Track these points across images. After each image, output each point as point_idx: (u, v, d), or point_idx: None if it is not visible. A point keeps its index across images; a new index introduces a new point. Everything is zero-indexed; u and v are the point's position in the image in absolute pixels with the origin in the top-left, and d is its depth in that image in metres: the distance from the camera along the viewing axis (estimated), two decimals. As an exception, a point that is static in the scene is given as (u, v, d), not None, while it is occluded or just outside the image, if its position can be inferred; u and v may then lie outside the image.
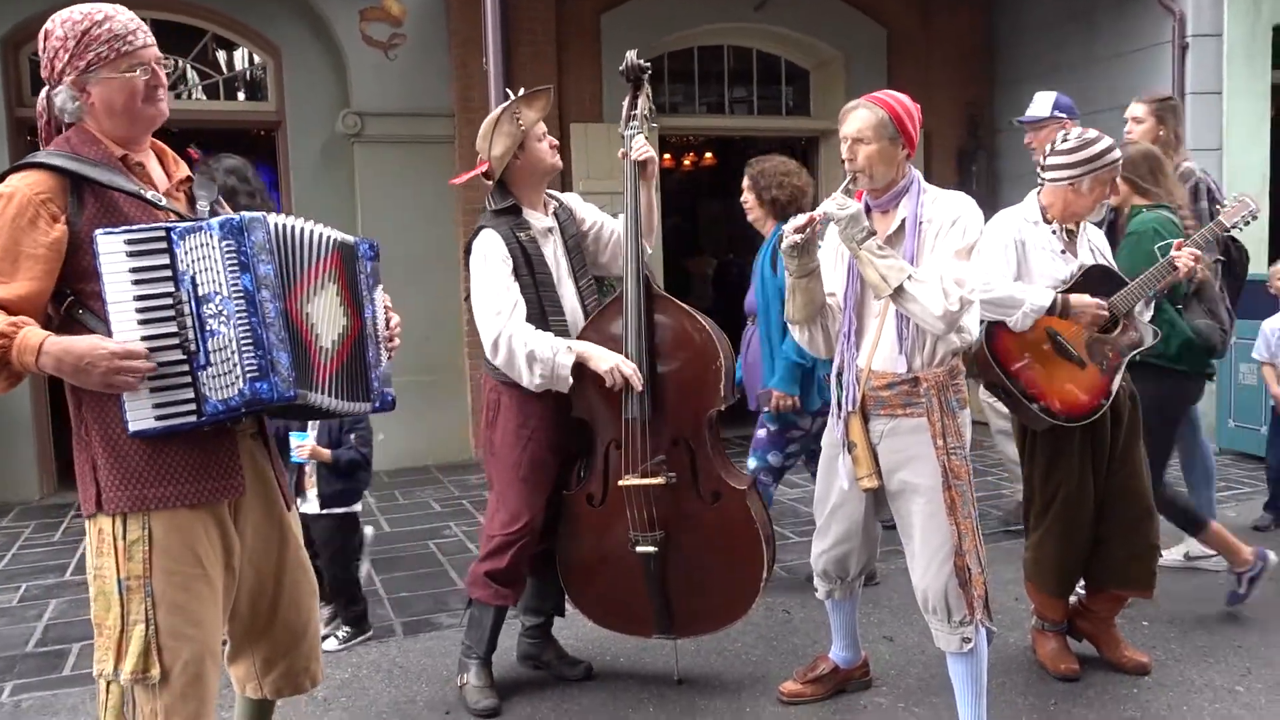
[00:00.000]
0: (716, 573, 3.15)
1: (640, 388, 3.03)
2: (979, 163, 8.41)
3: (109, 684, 2.04)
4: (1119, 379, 3.26)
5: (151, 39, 2.09)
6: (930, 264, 2.72)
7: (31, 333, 1.87)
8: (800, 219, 2.75)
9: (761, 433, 4.13)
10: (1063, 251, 3.28)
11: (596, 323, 3.17)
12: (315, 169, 7.06)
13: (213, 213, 2.17)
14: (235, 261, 1.96)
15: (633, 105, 3.24)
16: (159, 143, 2.22)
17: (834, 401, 2.94)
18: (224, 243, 1.96)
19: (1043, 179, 3.29)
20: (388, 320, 2.36)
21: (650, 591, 3.19)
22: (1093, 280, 3.25)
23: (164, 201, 2.07)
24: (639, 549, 3.14)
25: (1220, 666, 3.45)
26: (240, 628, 2.28)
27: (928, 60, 8.26)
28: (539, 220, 3.20)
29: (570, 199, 3.38)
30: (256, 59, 7.28)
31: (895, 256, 2.70)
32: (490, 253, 3.07)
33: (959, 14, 8.33)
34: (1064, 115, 4.47)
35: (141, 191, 2.04)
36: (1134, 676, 3.37)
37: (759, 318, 4.07)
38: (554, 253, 3.20)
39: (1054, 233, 3.29)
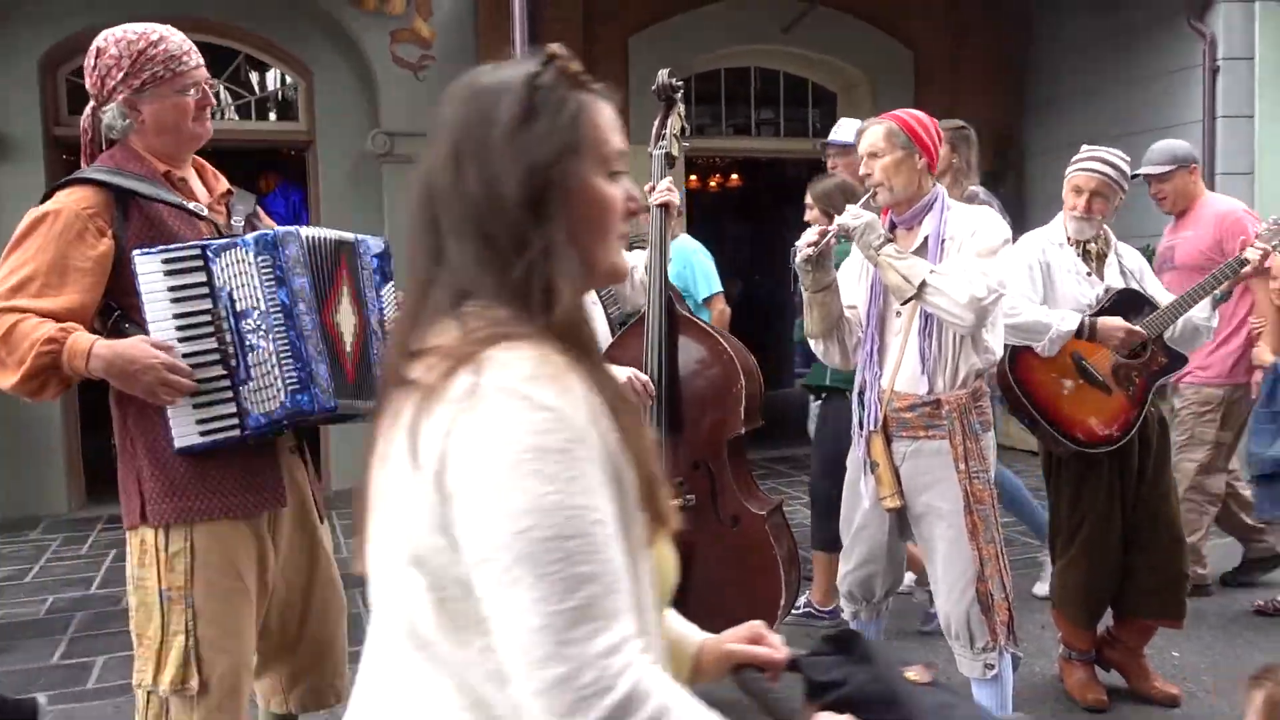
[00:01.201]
0: (733, 598, 3.11)
1: (650, 400, 3.03)
2: (1008, 185, 8.36)
3: (148, 694, 2.05)
4: (1146, 405, 3.22)
5: (201, 60, 2.13)
6: (952, 265, 2.70)
7: (81, 337, 1.90)
8: (813, 233, 2.75)
9: None
10: (1088, 274, 3.26)
11: (619, 343, 3.18)
12: (345, 188, 7.13)
13: (251, 226, 2.20)
14: (271, 276, 1.99)
15: (662, 125, 3.25)
16: (198, 158, 2.26)
17: (855, 421, 2.93)
18: (259, 258, 1.99)
19: None
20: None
21: (668, 614, 3.17)
22: (1122, 305, 3.22)
23: (205, 211, 2.10)
24: None
25: (1252, 699, 3.38)
26: (268, 641, 2.28)
27: (955, 82, 8.24)
28: None
29: None
30: (288, 79, 7.38)
31: (914, 259, 2.68)
32: None
33: (987, 36, 8.31)
34: None
35: (184, 203, 2.07)
36: (1163, 709, 3.31)
37: None
38: None
39: (1078, 255, 3.27)
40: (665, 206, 3.19)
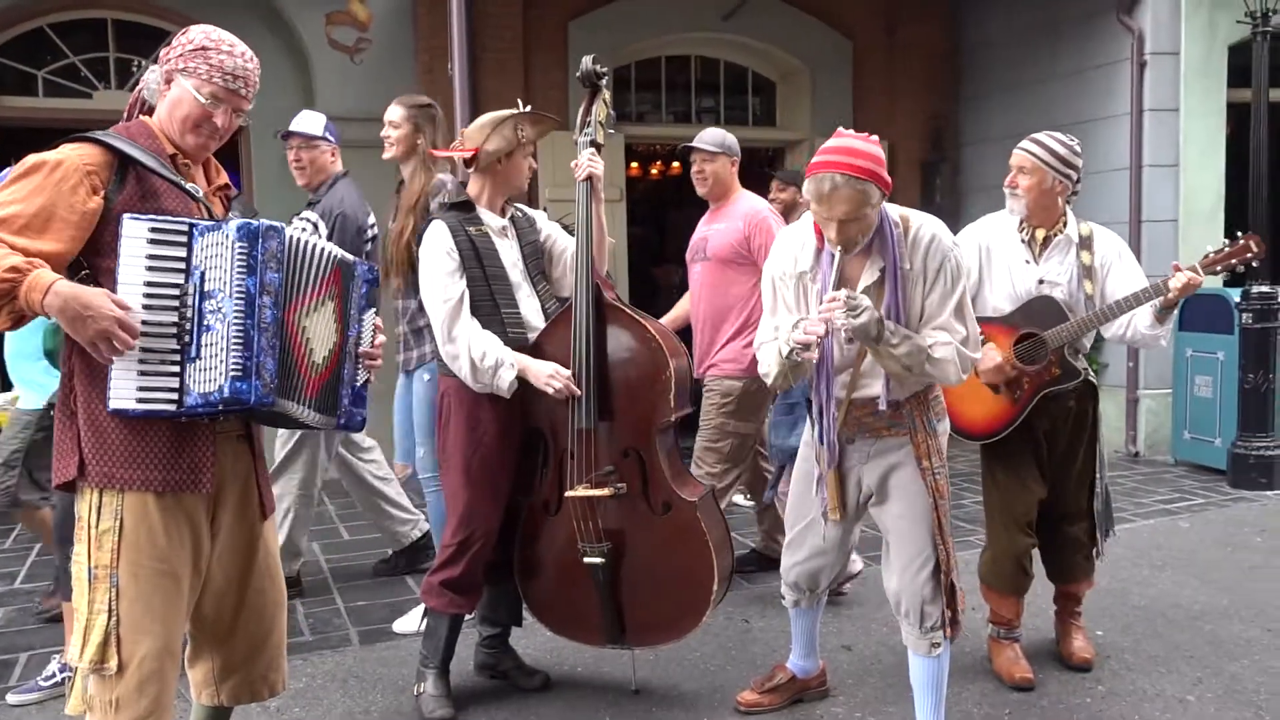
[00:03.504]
0: (667, 584, 3.14)
1: (579, 393, 3.03)
2: (942, 175, 8.49)
3: (75, 668, 2.08)
4: (1027, 410, 3.32)
5: (249, 96, 2.21)
6: (934, 322, 2.68)
7: (45, 273, 1.92)
8: (810, 338, 2.55)
9: None
10: (1026, 261, 3.34)
11: (547, 332, 3.17)
12: (278, 171, 6.94)
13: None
14: (244, 264, 2.04)
15: (588, 111, 3.25)
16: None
17: (815, 432, 2.89)
18: (237, 245, 2.03)
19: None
20: (372, 339, 2.39)
21: (601, 601, 3.18)
22: (1032, 312, 3.30)
23: (200, 194, 2.16)
24: (587, 559, 3.14)
25: (1172, 676, 3.49)
26: (201, 631, 2.30)
27: (892, 73, 8.35)
28: (492, 219, 3.21)
29: (534, 214, 3.39)
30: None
31: (907, 338, 2.61)
32: (437, 243, 3.08)
33: (924, 27, 8.42)
34: (333, 140, 4.51)
35: (181, 182, 2.14)
36: (1088, 685, 3.41)
37: None
38: (509, 252, 3.20)
39: (1024, 241, 3.35)
40: (589, 179, 3.17)
